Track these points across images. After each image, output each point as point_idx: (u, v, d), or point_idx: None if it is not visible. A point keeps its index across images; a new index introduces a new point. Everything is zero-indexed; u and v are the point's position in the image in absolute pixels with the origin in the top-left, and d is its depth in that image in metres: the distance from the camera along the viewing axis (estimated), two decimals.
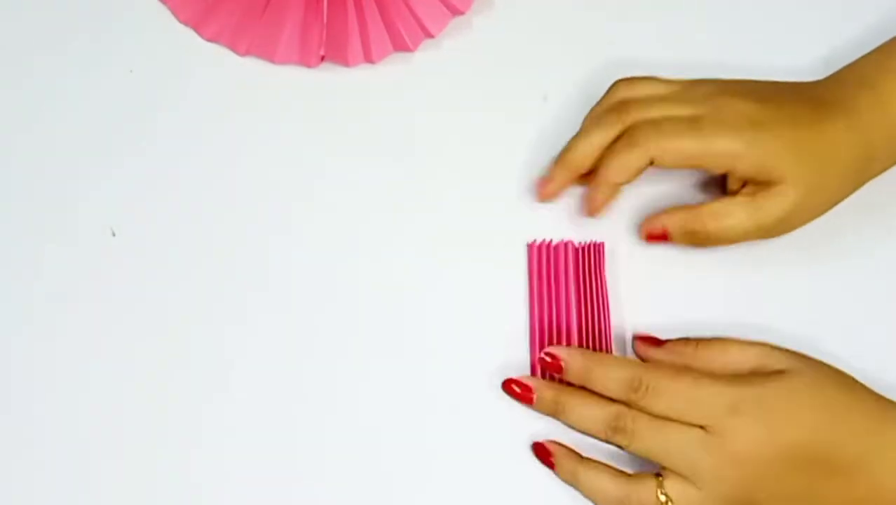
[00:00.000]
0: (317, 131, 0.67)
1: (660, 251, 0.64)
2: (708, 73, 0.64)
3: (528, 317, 0.63)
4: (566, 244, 0.64)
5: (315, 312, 0.64)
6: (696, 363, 0.59)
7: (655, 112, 0.61)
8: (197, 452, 0.63)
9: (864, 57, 0.63)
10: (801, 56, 0.67)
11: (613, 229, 0.65)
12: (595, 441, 0.59)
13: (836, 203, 0.61)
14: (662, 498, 0.55)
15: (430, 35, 0.68)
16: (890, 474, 0.55)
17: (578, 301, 0.62)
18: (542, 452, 0.60)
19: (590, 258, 0.63)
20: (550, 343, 0.62)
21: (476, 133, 0.67)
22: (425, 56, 0.68)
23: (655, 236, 0.62)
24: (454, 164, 0.66)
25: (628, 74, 0.65)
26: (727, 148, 0.59)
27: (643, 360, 0.61)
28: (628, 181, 0.61)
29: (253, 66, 0.68)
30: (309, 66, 0.68)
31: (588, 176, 0.63)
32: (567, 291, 0.63)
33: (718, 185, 0.65)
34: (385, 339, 0.64)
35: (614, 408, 0.57)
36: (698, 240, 0.61)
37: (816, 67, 0.66)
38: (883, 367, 0.61)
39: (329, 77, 0.68)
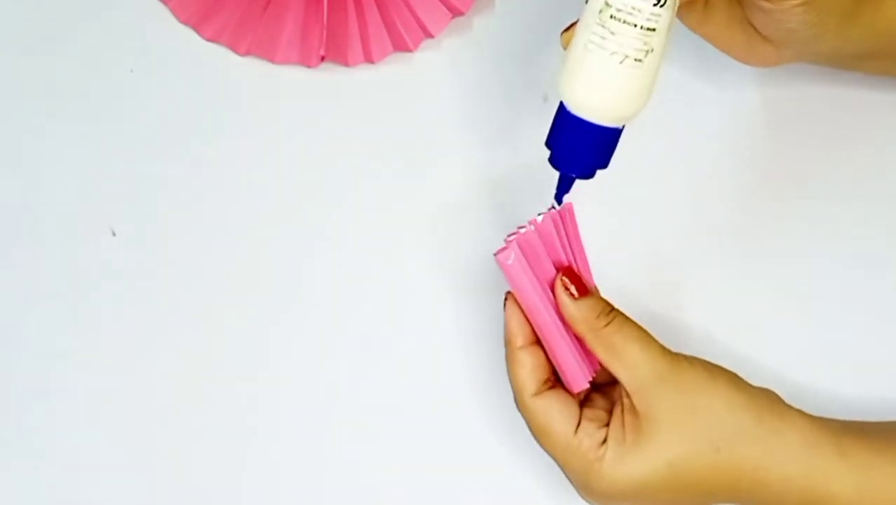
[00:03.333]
0: (317, 131, 0.67)
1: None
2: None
3: (538, 319, 0.57)
4: (535, 227, 0.57)
5: (315, 309, 0.64)
6: (593, 344, 0.56)
7: None
8: (196, 451, 0.63)
9: None
10: None
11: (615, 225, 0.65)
12: None
13: None
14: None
15: (430, 35, 0.68)
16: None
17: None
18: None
19: (565, 224, 0.58)
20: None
21: (476, 133, 0.67)
22: (425, 56, 0.68)
23: None
24: (454, 163, 0.66)
25: None
26: None
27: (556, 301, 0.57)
28: None
29: (253, 66, 0.68)
30: (309, 66, 0.68)
31: None
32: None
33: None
34: (384, 337, 0.64)
35: None
36: None
37: None
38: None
39: (329, 77, 0.68)
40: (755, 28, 0.59)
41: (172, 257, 0.65)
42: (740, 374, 0.56)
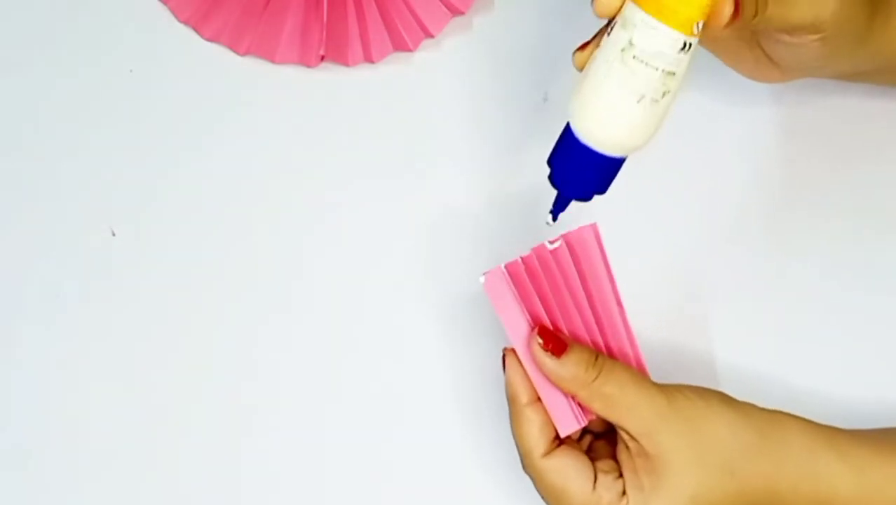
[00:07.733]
0: (317, 131, 0.67)
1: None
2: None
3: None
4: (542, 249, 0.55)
5: (313, 310, 0.64)
6: (588, 400, 0.54)
7: None
8: (194, 450, 0.63)
9: None
10: None
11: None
12: None
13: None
14: None
15: (430, 35, 0.68)
16: None
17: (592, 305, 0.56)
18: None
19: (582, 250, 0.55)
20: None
21: (476, 133, 0.67)
22: (425, 56, 0.68)
23: None
24: (454, 163, 0.66)
25: None
26: None
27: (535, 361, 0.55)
28: None
29: (253, 66, 0.68)
30: (309, 66, 0.68)
31: None
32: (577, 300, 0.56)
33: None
34: (380, 336, 0.64)
35: None
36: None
37: None
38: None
39: (329, 77, 0.68)
40: (764, 52, 0.58)
41: (172, 257, 0.65)
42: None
